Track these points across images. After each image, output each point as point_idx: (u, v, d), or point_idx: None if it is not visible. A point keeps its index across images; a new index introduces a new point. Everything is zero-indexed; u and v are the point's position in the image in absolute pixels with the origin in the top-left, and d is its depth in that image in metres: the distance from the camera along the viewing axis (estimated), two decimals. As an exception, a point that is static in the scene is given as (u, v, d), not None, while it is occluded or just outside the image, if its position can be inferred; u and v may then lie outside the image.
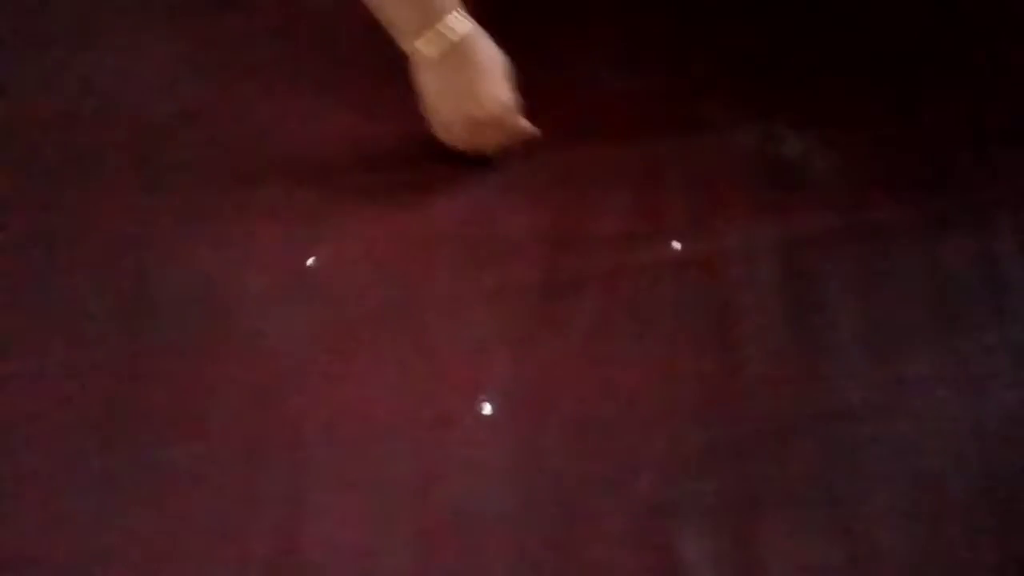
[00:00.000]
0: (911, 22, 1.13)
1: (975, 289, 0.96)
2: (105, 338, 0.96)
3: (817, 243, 0.99)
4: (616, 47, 1.14)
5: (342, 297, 0.98)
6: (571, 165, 1.02)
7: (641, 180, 1.04)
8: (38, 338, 0.97)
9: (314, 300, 0.98)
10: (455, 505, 0.86)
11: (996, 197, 1.01)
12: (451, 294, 0.97)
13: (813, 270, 0.97)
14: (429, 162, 1.04)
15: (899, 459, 0.87)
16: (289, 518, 0.86)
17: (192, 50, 1.16)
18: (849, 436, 0.88)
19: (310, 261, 1.00)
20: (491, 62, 0.99)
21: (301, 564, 0.84)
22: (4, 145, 1.10)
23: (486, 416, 0.90)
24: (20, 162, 1.09)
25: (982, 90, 1.08)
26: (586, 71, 1.11)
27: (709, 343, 0.93)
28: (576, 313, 0.96)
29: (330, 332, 0.96)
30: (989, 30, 1.12)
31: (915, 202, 1.01)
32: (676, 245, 0.99)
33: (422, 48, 0.98)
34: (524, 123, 1.02)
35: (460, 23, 0.98)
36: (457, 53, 0.98)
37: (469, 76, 0.99)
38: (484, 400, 0.91)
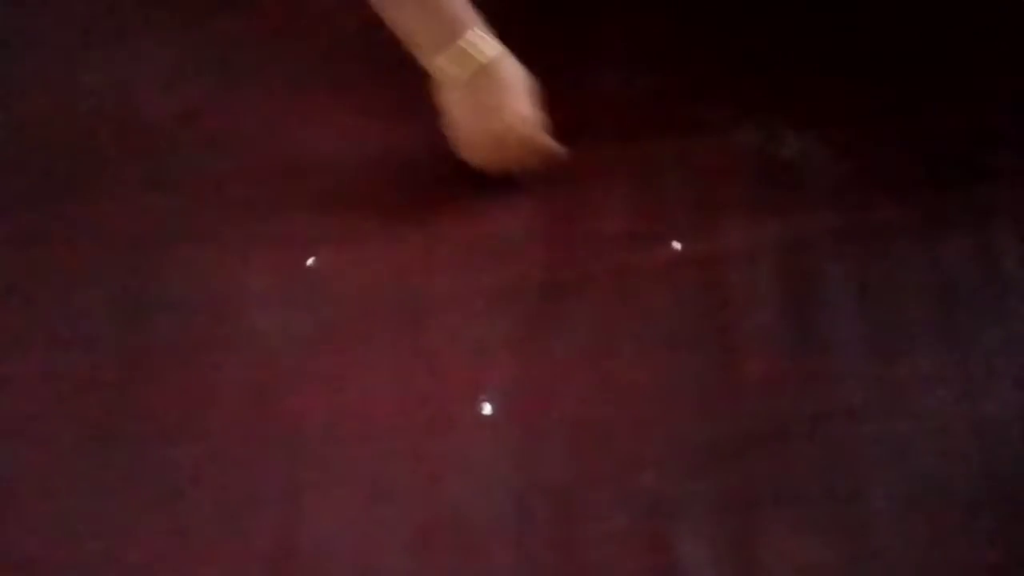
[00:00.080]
0: (911, 22, 1.13)
1: (975, 289, 0.96)
2: (105, 338, 0.96)
3: (817, 243, 0.99)
4: (616, 47, 1.14)
5: (342, 297, 0.98)
6: (571, 165, 1.02)
7: (641, 180, 1.04)
8: (38, 338, 0.97)
9: (314, 300, 0.98)
10: (455, 505, 0.86)
11: (996, 197, 1.01)
12: (451, 294, 0.97)
13: (813, 270, 0.97)
14: (429, 162, 1.04)
15: (899, 459, 0.87)
16: (289, 518, 0.86)
17: (192, 50, 1.17)
18: (849, 436, 0.88)
19: (310, 261, 1.00)
20: (516, 80, 0.98)
21: (301, 564, 0.84)
22: (4, 145, 1.10)
23: (486, 416, 0.90)
24: (20, 162, 1.09)
25: (982, 90, 1.08)
26: (586, 71, 1.11)
27: (709, 343, 0.93)
28: (576, 313, 0.96)
29: (330, 332, 0.96)
30: (989, 30, 1.12)
31: (915, 202, 1.01)
32: (676, 245, 0.99)
33: (445, 67, 0.96)
34: (549, 141, 1.00)
35: (485, 42, 0.96)
36: (483, 73, 0.96)
37: (494, 95, 0.97)
38: (484, 400, 0.91)
